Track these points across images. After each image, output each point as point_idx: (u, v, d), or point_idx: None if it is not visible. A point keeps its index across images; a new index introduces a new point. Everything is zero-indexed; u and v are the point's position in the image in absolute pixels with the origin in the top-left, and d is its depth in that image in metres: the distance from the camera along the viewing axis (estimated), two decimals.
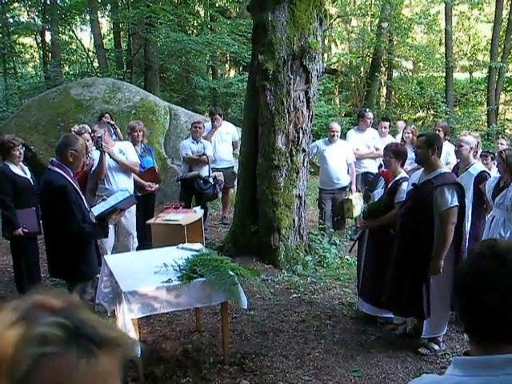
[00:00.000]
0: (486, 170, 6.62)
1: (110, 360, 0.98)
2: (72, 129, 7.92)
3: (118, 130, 8.97)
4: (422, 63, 24.36)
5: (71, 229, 4.59)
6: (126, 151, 7.48)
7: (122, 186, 7.16)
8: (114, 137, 8.81)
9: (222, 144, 9.94)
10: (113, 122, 8.96)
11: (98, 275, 5.50)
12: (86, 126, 8.13)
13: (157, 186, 8.33)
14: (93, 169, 7.17)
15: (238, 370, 5.04)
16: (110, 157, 7.20)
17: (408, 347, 5.49)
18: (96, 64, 22.18)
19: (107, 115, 9.20)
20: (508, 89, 24.09)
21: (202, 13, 23.22)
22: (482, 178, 6.36)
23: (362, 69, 24.71)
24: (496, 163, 6.43)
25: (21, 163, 6.51)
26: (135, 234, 7.51)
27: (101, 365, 0.96)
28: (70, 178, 4.72)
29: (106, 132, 7.22)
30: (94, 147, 7.20)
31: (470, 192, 6.33)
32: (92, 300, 5.04)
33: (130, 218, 7.22)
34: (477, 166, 6.57)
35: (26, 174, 6.50)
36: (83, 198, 4.89)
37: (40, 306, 1.00)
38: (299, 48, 7.59)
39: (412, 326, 5.77)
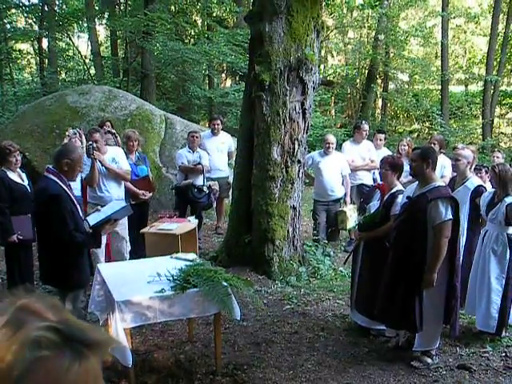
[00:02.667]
0: (483, 184, 6.64)
1: (98, 360, 1.04)
2: (66, 133, 7.88)
3: (119, 138, 8.95)
4: (417, 76, 24.50)
5: (63, 237, 4.58)
6: (118, 159, 7.47)
7: (112, 193, 7.17)
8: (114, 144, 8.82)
9: (218, 154, 9.92)
10: (114, 131, 8.95)
11: (91, 283, 5.49)
12: (80, 131, 8.04)
13: (150, 194, 8.31)
14: (83, 176, 7.11)
15: (230, 381, 5.02)
16: (102, 165, 7.19)
17: (400, 360, 5.48)
18: (92, 71, 22.21)
19: (108, 123, 9.14)
20: (503, 102, 24.25)
21: (199, 22, 23.29)
22: (478, 192, 6.39)
23: (358, 80, 24.84)
24: (489, 177, 6.45)
25: (18, 170, 6.50)
26: (128, 238, 7.49)
27: (91, 366, 1.01)
28: (65, 186, 4.71)
29: (100, 138, 7.21)
30: (86, 155, 7.17)
31: (466, 206, 6.35)
32: (84, 308, 5.02)
33: (122, 222, 7.19)
34: (473, 181, 6.59)
35: (23, 180, 6.48)
36: (78, 206, 4.87)
37: (26, 309, 1.02)
38: (296, 59, 7.61)
39: (405, 338, 5.76)
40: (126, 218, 7.26)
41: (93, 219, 5.01)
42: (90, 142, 6.99)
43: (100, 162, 7.13)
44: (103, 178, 7.25)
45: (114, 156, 7.43)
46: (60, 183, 4.68)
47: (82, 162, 5.02)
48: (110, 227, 5.14)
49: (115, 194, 7.16)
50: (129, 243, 7.51)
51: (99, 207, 5.45)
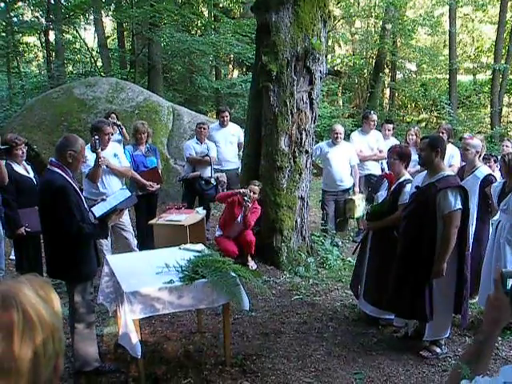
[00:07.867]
0: (492, 173, 6.61)
1: None
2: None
3: (124, 130, 8.96)
4: (425, 65, 24.34)
5: (71, 229, 4.56)
6: (119, 155, 7.45)
7: (113, 188, 7.12)
8: (120, 137, 8.82)
9: (227, 145, 9.86)
10: (119, 123, 8.95)
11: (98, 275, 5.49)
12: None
13: (158, 186, 8.27)
14: (85, 171, 6.98)
15: (239, 372, 5.03)
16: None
17: (410, 350, 5.48)
18: (99, 64, 22.18)
19: (113, 115, 9.14)
20: None
21: (205, 13, 23.22)
22: (487, 181, 6.35)
23: (365, 70, 24.73)
24: (499, 167, 6.41)
25: (24, 162, 6.51)
26: (132, 230, 7.47)
27: None
28: (69, 178, 4.69)
29: (111, 130, 7.22)
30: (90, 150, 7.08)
31: (476, 195, 6.32)
32: (93, 300, 5.02)
33: (126, 217, 7.13)
34: (483, 170, 6.56)
35: (28, 173, 6.49)
36: (82, 198, 4.86)
37: None
38: (303, 49, 7.58)
39: (414, 328, 5.75)
40: (126, 210, 7.25)
41: (98, 210, 4.99)
42: (97, 137, 6.95)
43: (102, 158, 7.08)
44: (105, 174, 7.20)
45: (116, 151, 7.40)
46: (64, 175, 4.66)
47: (84, 153, 5.02)
48: (117, 217, 5.12)
49: (116, 190, 7.10)
50: (134, 237, 7.51)
51: (104, 197, 5.43)
